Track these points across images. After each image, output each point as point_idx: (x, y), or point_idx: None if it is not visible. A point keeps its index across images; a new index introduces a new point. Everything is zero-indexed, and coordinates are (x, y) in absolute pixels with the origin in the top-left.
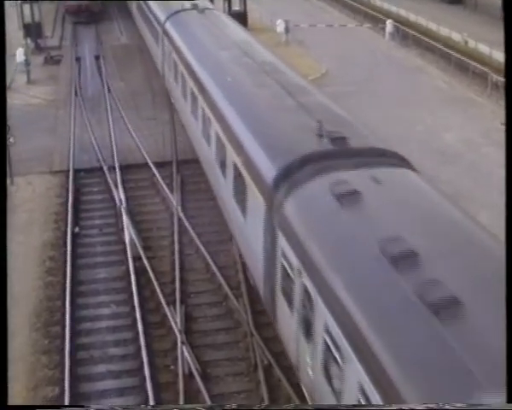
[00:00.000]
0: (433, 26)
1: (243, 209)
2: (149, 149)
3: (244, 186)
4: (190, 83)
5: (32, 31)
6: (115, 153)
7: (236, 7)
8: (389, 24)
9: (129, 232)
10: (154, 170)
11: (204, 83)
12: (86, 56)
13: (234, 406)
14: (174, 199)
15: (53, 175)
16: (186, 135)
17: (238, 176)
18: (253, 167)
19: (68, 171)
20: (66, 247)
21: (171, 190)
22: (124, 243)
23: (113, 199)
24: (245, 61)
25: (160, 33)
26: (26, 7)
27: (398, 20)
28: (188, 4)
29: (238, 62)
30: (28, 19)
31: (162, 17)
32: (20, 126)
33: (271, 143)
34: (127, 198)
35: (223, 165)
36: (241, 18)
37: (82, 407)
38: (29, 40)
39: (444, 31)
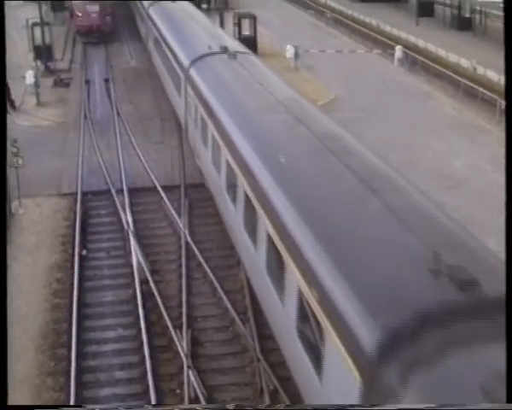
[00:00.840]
0: (442, 53)
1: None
2: (157, 172)
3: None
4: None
5: (43, 53)
6: (123, 176)
7: (246, 32)
8: (398, 50)
9: (136, 256)
10: (162, 194)
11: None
12: (96, 79)
13: (233, 406)
14: (182, 223)
15: (61, 197)
16: (194, 159)
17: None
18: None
19: (76, 193)
20: (73, 269)
21: (179, 214)
22: (131, 266)
23: (120, 222)
24: (301, 132)
25: (183, 80)
26: (37, 29)
27: (408, 46)
28: (215, 46)
29: (291, 134)
30: (39, 41)
31: (186, 61)
32: (29, 148)
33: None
34: (135, 221)
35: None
36: (251, 43)
37: (82, 407)
38: (39, 62)
39: (453, 57)
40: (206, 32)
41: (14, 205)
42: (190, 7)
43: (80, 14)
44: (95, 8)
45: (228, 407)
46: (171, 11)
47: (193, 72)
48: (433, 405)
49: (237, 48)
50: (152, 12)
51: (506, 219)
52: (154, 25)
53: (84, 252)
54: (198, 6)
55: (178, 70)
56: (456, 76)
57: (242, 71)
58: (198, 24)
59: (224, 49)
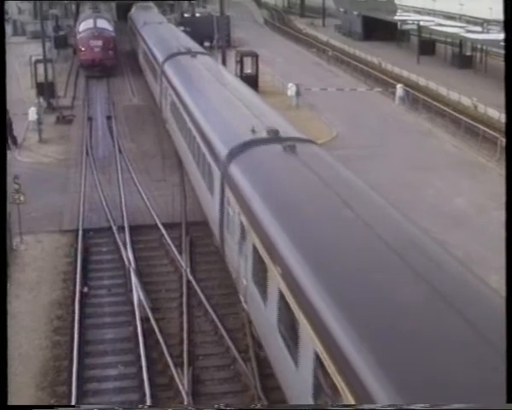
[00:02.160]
0: (443, 91)
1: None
2: (159, 210)
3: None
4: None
5: (45, 90)
6: (125, 213)
7: (248, 70)
8: (399, 88)
9: (137, 293)
10: (164, 231)
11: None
12: (98, 116)
13: (233, 407)
14: (183, 261)
15: (62, 234)
16: (195, 197)
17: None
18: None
19: (77, 230)
20: (74, 306)
21: (180, 252)
22: (132, 303)
23: (121, 259)
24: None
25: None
26: (40, 66)
27: (409, 84)
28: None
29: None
30: (41, 78)
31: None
32: (31, 185)
33: None
34: (136, 259)
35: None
36: (253, 81)
37: (81, 406)
38: (42, 99)
39: (454, 95)
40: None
41: (15, 241)
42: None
43: (84, 49)
44: (98, 42)
45: (227, 407)
46: (201, 78)
47: (234, 170)
48: (433, 405)
49: (290, 131)
50: (171, 73)
51: (506, 220)
52: (181, 101)
53: (86, 289)
54: (201, 44)
55: (214, 166)
56: (457, 114)
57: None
58: (237, 95)
59: (274, 135)
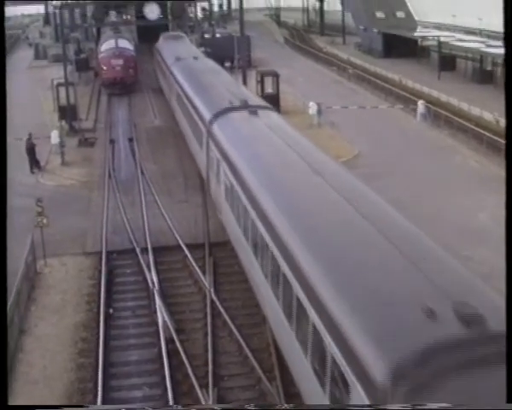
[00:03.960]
0: (464, 106)
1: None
2: (182, 231)
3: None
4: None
5: (67, 113)
6: (148, 235)
7: (269, 89)
8: (421, 105)
9: (161, 314)
10: (187, 252)
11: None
12: (120, 139)
13: (233, 406)
14: (207, 281)
15: (86, 256)
16: (217, 217)
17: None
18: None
19: (101, 252)
20: (98, 328)
21: (204, 273)
22: (156, 325)
23: (145, 281)
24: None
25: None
26: (62, 89)
27: (430, 100)
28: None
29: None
30: (63, 101)
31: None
32: (54, 208)
33: None
34: (160, 280)
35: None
36: (274, 100)
37: (82, 406)
38: (64, 122)
39: (475, 110)
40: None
41: (39, 264)
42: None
43: (105, 68)
44: (119, 61)
45: (230, 406)
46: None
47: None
48: (433, 405)
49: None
50: (224, 139)
51: (506, 223)
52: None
53: (111, 310)
54: (221, 64)
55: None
56: (479, 129)
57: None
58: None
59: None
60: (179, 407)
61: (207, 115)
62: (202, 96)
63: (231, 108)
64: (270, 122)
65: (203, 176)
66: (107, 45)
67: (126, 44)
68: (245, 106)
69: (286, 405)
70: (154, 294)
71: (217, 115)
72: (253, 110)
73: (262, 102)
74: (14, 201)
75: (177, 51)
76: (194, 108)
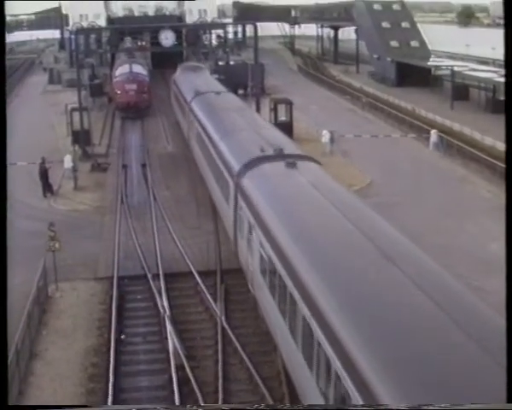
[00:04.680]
0: (477, 136)
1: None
2: (193, 257)
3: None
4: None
5: (81, 138)
6: (159, 261)
7: (283, 117)
8: (433, 134)
9: (172, 341)
10: (198, 279)
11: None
12: (133, 164)
13: (234, 406)
14: (218, 308)
15: (97, 281)
16: (229, 244)
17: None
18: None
19: (112, 277)
20: (109, 354)
21: (215, 300)
22: (167, 351)
23: (156, 307)
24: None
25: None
26: (76, 114)
27: (443, 129)
28: None
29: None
30: (77, 126)
31: None
32: (66, 232)
33: None
34: (171, 306)
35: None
36: (287, 128)
37: (82, 407)
38: (77, 147)
39: (488, 140)
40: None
41: (50, 289)
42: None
43: (119, 92)
44: (132, 86)
45: (237, 407)
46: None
47: None
48: (432, 405)
49: None
50: (257, 199)
51: (506, 223)
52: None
53: (123, 336)
54: (235, 92)
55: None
56: (491, 159)
57: None
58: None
59: None
60: (188, 407)
61: (235, 165)
62: (228, 141)
63: (264, 158)
64: (314, 178)
65: (229, 233)
66: (121, 70)
67: (140, 69)
68: (280, 155)
69: (286, 405)
70: (165, 320)
71: (247, 166)
72: (291, 162)
73: (299, 151)
74: (26, 224)
75: (197, 84)
76: (219, 154)
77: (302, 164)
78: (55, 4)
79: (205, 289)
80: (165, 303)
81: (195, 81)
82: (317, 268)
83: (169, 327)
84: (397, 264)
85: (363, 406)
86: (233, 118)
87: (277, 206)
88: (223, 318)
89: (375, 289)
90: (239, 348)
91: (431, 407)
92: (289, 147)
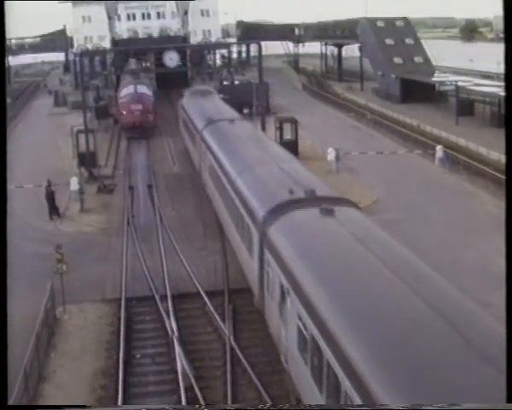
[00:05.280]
0: (483, 151)
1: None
2: (201, 278)
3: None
4: None
5: (87, 160)
6: (167, 282)
7: (288, 136)
8: (439, 150)
9: (181, 362)
10: (206, 299)
11: None
12: (139, 185)
13: (237, 406)
14: (226, 328)
15: (105, 303)
16: (236, 264)
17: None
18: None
19: (120, 299)
20: (117, 375)
21: (223, 320)
22: (176, 372)
23: (164, 328)
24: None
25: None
26: (82, 136)
27: (448, 145)
28: None
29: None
30: (83, 148)
31: None
32: (74, 254)
33: None
34: (179, 327)
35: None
36: (293, 147)
37: (82, 407)
38: (83, 169)
39: (494, 155)
40: None
41: (58, 311)
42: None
43: (125, 112)
44: (138, 106)
45: (228, 407)
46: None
47: None
48: (432, 405)
49: None
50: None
51: (506, 224)
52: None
53: (139, 356)
54: (240, 111)
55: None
56: (497, 174)
57: None
58: None
59: None
60: (195, 407)
61: (260, 210)
62: (248, 178)
63: (294, 202)
64: (356, 228)
65: (252, 288)
66: (126, 91)
67: (145, 90)
68: (313, 199)
69: (286, 405)
70: (173, 341)
71: (274, 213)
72: (327, 209)
73: (333, 193)
74: (33, 247)
75: (208, 111)
76: (238, 193)
77: (340, 210)
78: (59, 27)
79: (213, 310)
80: (174, 324)
81: (206, 107)
82: (375, 353)
83: (177, 348)
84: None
85: (363, 406)
86: (251, 150)
87: (317, 266)
88: (231, 338)
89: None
90: (248, 369)
91: (431, 407)
92: (321, 187)
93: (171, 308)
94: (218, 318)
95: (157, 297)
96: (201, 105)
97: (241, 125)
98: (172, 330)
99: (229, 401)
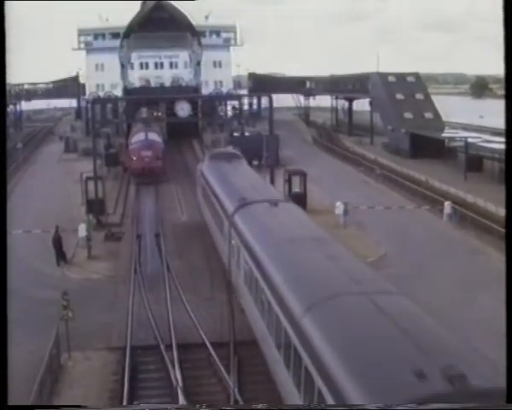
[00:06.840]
0: (491, 207)
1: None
2: (207, 328)
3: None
4: None
5: (95, 207)
6: (172, 331)
7: (296, 188)
8: (447, 206)
9: None
10: (212, 350)
11: None
12: (147, 234)
13: (234, 406)
14: (231, 380)
15: (110, 351)
16: (243, 316)
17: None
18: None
19: (125, 348)
20: None
21: (228, 372)
22: None
23: (169, 378)
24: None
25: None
26: (91, 183)
27: (456, 201)
28: None
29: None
30: (92, 195)
31: None
32: (80, 301)
33: None
34: (184, 378)
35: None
36: (301, 200)
37: (83, 407)
38: (91, 216)
39: (502, 211)
40: None
41: (63, 357)
42: None
43: (135, 158)
44: (147, 153)
45: (228, 407)
46: None
47: None
48: (432, 405)
49: None
50: None
51: (506, 223)
52: None
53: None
54: (249, 163)
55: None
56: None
57: None
58: None
59: None
60: (195, 407)
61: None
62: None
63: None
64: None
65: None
66: (137, 137)
67: (155, 137)
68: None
69: (286, 405)
70: (177, 391)
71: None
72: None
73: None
74: (40, 292)
75: (239, 186)
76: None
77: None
78: (72, 73)
79: (218, 361)
80: (178, 374)
81: (235, 179)
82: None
83: (181, 398)
84: None
85: (360, 406)
86: (312, 257)
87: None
88: (236, 390)
89: None
90: None
91: (431, 407)
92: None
93: (176, 358)
94: (223, 369)
95: (162, 347)
96: (228, 176)
97: (287, 211)
98: (177, 379)
99: None
